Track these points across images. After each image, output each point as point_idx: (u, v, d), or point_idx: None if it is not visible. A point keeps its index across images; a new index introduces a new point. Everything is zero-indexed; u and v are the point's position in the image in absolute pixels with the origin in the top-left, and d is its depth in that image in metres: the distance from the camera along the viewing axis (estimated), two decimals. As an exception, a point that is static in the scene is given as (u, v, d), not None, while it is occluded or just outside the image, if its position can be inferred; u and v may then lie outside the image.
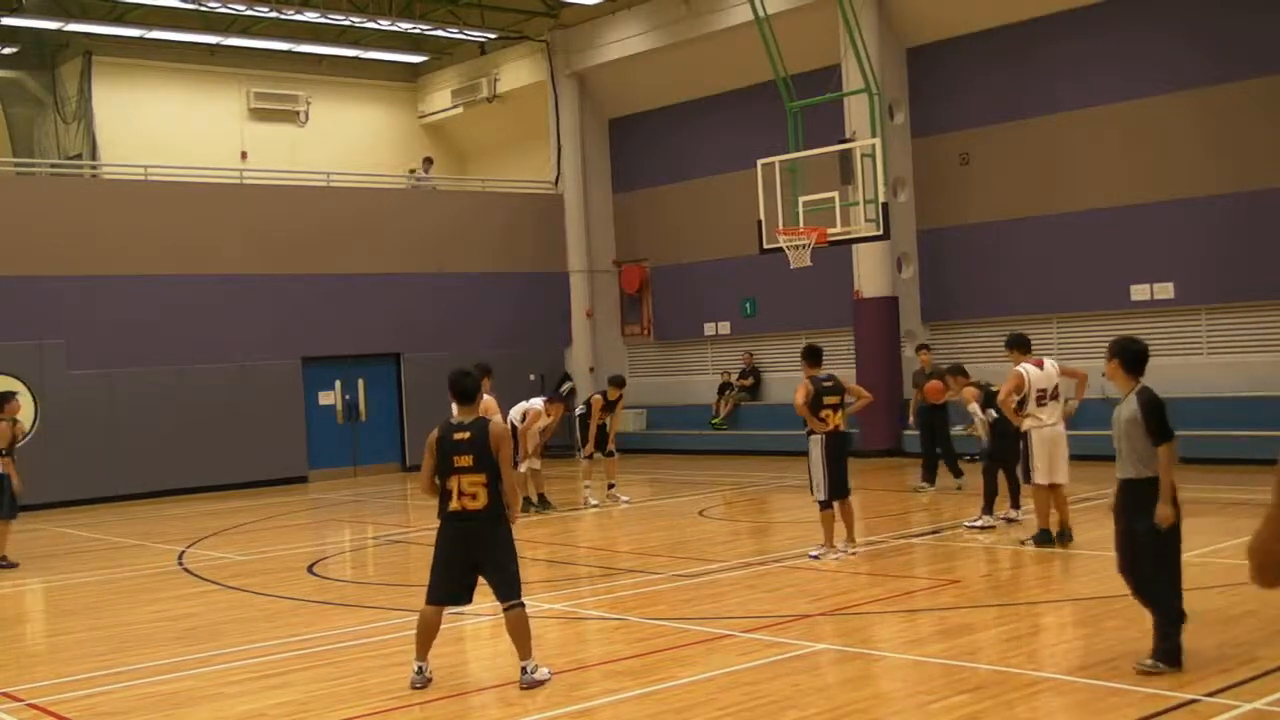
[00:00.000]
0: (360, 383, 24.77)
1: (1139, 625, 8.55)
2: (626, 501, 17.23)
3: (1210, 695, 6.63)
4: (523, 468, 15.87)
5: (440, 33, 26.51)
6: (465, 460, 7.51)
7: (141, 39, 25.17)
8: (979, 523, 13.05)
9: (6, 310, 20.65)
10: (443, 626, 7.93)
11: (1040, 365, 11.82)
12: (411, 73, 29.87)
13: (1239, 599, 8.81)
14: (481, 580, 7.72)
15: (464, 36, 27.05)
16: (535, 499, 16.54)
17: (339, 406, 24.52)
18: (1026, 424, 11.70)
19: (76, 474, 20.58)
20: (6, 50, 25.16)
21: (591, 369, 26.59)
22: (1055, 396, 11.79)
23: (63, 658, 9.57)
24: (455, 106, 29.14)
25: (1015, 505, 13.38)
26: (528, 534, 13.85)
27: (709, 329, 26.39)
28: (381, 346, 24.74)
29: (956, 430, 16.11)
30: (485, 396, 11.97)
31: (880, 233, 18.71)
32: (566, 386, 25.79)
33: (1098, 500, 14.24)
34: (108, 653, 9.38)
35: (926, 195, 22.48)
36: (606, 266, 27.68)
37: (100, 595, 12.22)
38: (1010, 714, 6.62)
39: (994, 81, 21.50)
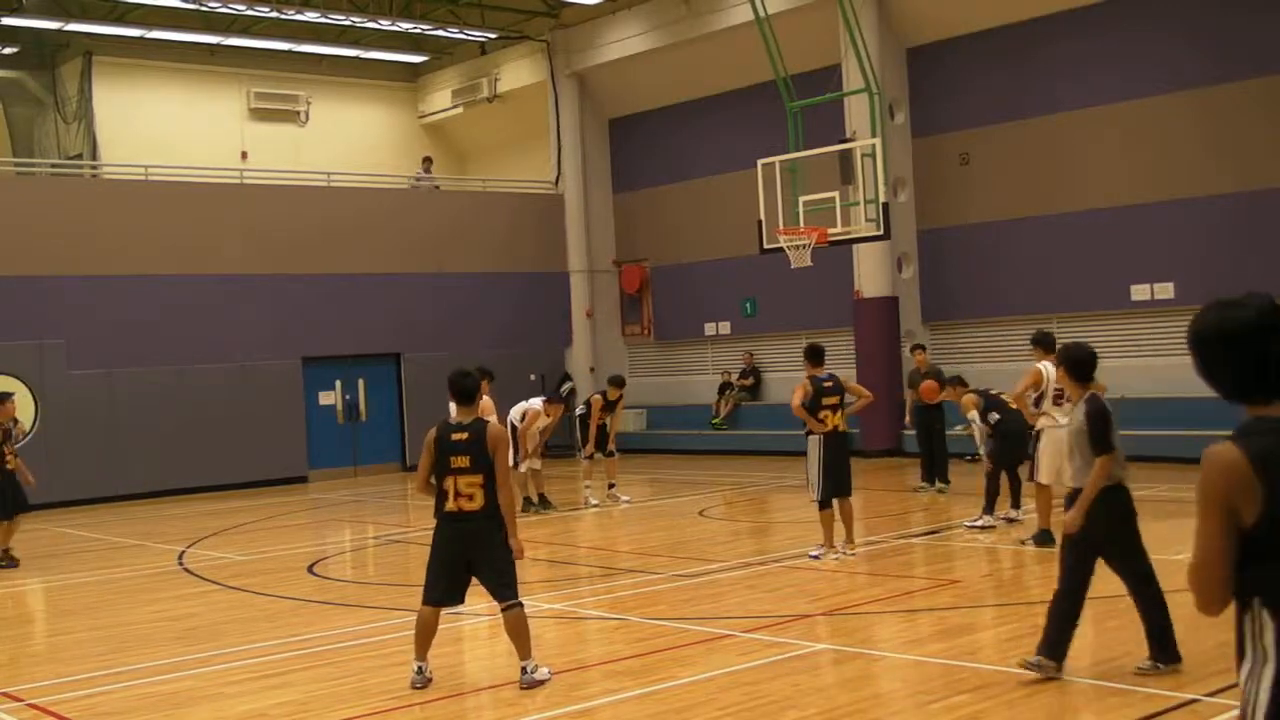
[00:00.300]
0: (360, 383, 24.77)
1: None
2: (626, 501, 17.23)
3: (1210, 695, 6.63)
4: (523, 468, 15.88)
5: (440, 33, 26.51)
6: (462, 461, 7.51)
7: (141, 39, 25.16)
8: (979, 523, 13.05)
9: (6, 310, 20.65)
10: (442, 626, 7.93)
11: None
12: (411, 73, 29.87)
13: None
14: (478, 581, 7.72)
15: (464, 36, 27.05)
16: (535, 499, 16.54)
17: (339, 406, 24.52)
18: (1041, 422, 11.55)
19: (76, 474, 20.58)
20: (6, 50, 25.16)
21: (591, 369, 26.59)
22: (1067, 398, 11.67)
23: (63, 658, 9.57)
24: (455, 106, 29.14)
25: (1016, 505, 13.38)
26: (528, 534, 13.79)
27: (709, 329, 26.39)
28: (381, 346, 24.74)
29: (954, 431, 16.10)
30: (483, 398, 11.96)
31: (880, 233, 18.71)
32: (566, 387, 25.79)
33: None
34: (108, 653, 9.39)
35: (926, 195, 22.48)
36: (606, 266, 27.68)
37: (100, 595, 12.22)
38: (1010, 714, 6.62)
39: (994, 81, 21.50)
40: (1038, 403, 11.56)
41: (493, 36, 27.13)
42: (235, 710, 7.49)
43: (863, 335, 22.23)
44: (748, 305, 25.41)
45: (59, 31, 24.69)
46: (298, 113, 28.18)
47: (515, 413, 16.04)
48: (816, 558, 11.74)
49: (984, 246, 21.74)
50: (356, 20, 24.68)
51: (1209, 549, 2.83)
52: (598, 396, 17.45)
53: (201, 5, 22.95)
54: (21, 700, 7.97)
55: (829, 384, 11.69)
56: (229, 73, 27.08)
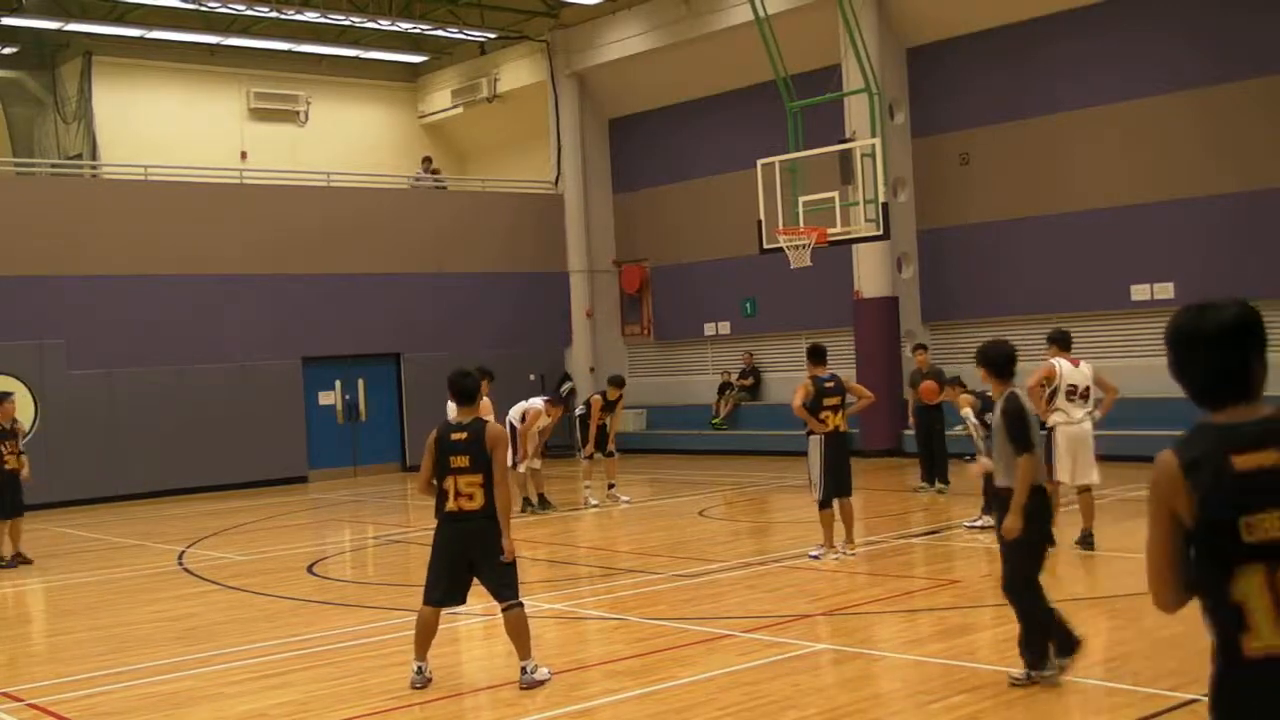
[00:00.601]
0: (360, 383, 24.77)
1: (1138, 625, 8.56)
2: (626, 501, 17.23)
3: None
4: (522, 468, 15.87)
5: (440, 33, 26.50)
6: (462, 461, 7.52)
7: (141, 39, 25.16)
8: (979, 523, 13.04)
9: (6, 310, 20.65)
10: (441, 627, 7.94)
11: (1076, 364, 11.60)
12: (411, 73, 29.87)
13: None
14: (478, 580, 7.72)
15: (464, 36, 27.05)
16: (535, 499, 16.54)
17: (339, 406, 24.51)
18: (1053, 418, 11.42)
19: (76, 474, 20.58)
20: (6, 50, 25.15)
21: (591, 369, 26.59)
22: (1085, 397, 11.50)
23: (63, 658, 9.58)
24: (455, 106, 29.14)
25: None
26: (528, 534, 13.86)
27: (709, 329, 26.39)
28: (381, 346, 24.74)
29: (953, 431, 16.10)
30: (483, 399, 11.96)
31: (880, 233, 18.71)
32: (566, 387, 25.80)
33: (1099, 501, 14.24)
34: (108, 653, 9.39)
35: (926, 195, 22.48)
36: (606, 266, 27.68)
37: (100, 595, 12.22)
38: (1010, 714, 6.62)
39: (994, 81, 21.50)
40: (1050, 398, 11.42)
41: (492, 36, 27.12)
42: (235, 710, 7.49)
43: (863, 335, 22.23)
44: (748, 305, 25.41)
45: (59, 31, 24.68)
46: (297, 113, 28.17)
47: (515, 413, 16.03)
48: (816, 558, 11.75)
49: (984, 246, 21.74)
50: (356, 20, 24.68)
51: (1152, 549, 2.97)
52: (597, 397, 17.45)
53: (201, 5, 22.95)
54: (21, 700, 7.97)
55: (831, 384, 11.69)
56: (229, 73, 27.07)
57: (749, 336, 25.68)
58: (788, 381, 23.35)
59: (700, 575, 11.39)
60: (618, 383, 17.36)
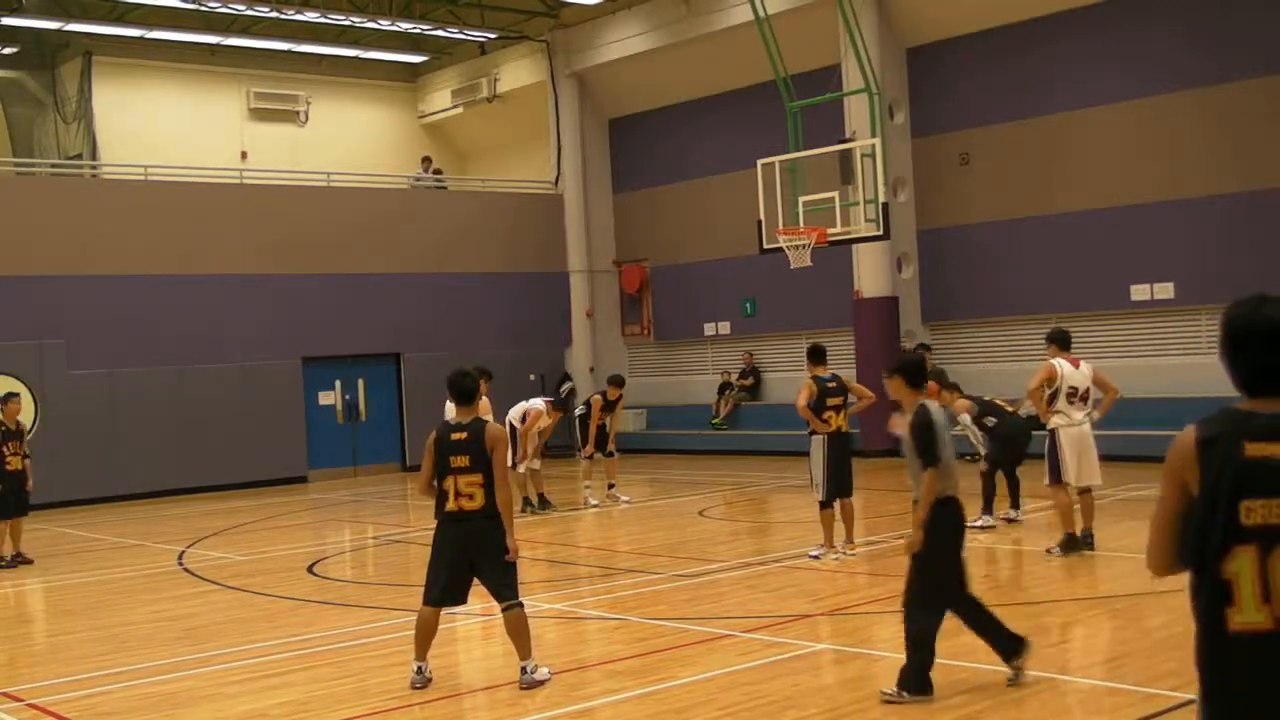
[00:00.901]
0: (360, 383, 24.77)
1: (1139, 625, 8.57)
2: (626, 501, 17.23)
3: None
4: (522, 468, 15.88)
5: (440, 33, 26.50)
6: (462, 461, 7.52)
7: (141, 39, 25.16)
8: (978, 523, 13.02)
9: (6, 310, 20.65)
10: (441, 627, 7.94)
11: (1076, 365, 11.45)
12: (411, 73, 29.87)
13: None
14: (478, 581, 7.72)
15: (464, 36, 27.05)
16: (535, 499, 16.54)
17: (339, 406, 24.52)
18: (1054, 420, 11.29)
19: (76, 474, 20.58)
20: (6, 50, 25.15)
21: (591, 369, 26.58)
22: (1084, 399, 11.37)
23: (63, 658, 9.58)
24: (455, 106, 29.14)
25: (1015, 505, 13.38)
26: (528, 534, 13.85)
27: (709, 329, 26.39)
28: (381, 346, 24.74)
29: (953, 431, 16.08)
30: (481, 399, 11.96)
31: (880, 233, 18.71)
32: (566, 387, 25.80)
33: (1098, 501, 14.24)
34: (108, 653, 9.39)
35: (926, 195, 22.48)
36: (606, 266, 27.68)
37: (100, 595, 12.23)
38: (1010, 714, 6.63)
39: (994, 81, 21.50)
40: (1051, 400, 11.29)
41: (492, 36, 27.12)
42: (235, 710, 7.49)
43: (863, 335, 22.22)
44: (747, 305, 25.41)
45: (59, 31, 24.68)
46: (297, 113, 28.18)
47: (515, 413, 16.03)
48: (816, 558, 11.75)
49: (984, 246, 21.74)
50: (356, 20, 24.68)
51: (1159, 515, 3.22)
52: (597, 397, 17.45)
53: (201, 5, 22.95)
54: (21, 700, 7.98)
55: (833, 384, 11.69)
56: (229, 73, 27.08)
57: (749, 336, 25.68)
58: (788, 381, 23.36)
59: (700, 575, 11.39)
60: (618, 382, 17.35)
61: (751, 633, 8.81)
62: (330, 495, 21.24)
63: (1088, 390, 11.42)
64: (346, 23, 24.82)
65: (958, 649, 8.14)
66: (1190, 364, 19.04)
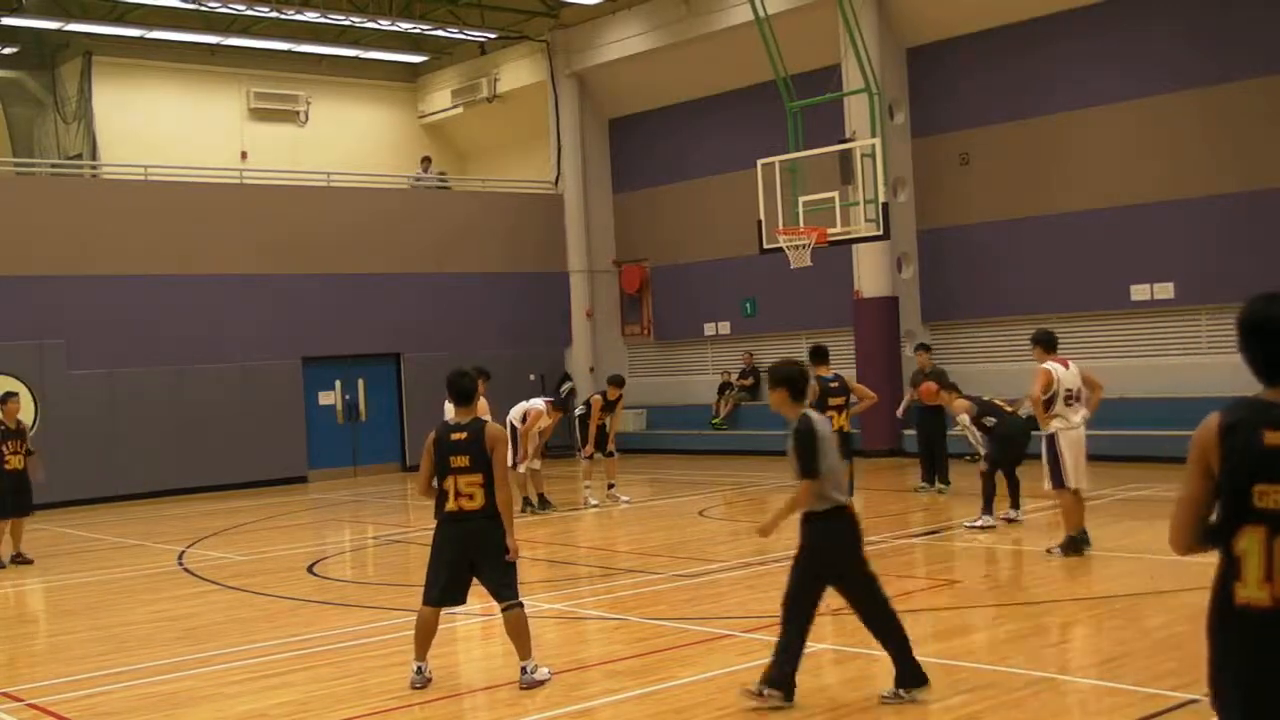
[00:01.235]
0: (360, 383, 24.77)
1: (1139, 625, 8.57)
2: (626, 501, 17.23)
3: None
4: (522, 468, 15.87)
5: (440, 33, 26.50)
6: (462, 461, 7.52)
7: (141, 39, 25.16)
8: (979, 523, 13.04)
9: (6, 310, 20.66)
10: (441, 627, 7.94)
11: (1065, 365, 11.37)
12: (411, 73, 29.87)
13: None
14: (478, 581, 7.72)
15: (464, 36, 27.05)
16: (535, 499, 16.55)
17: (339, 406, 24.52)
18: (1054, 425, 11.19)
19: (76, 474, 20.57)
20: (6, 50, 25.15)
21: (591, 369, 26.58)
22: (1078, 399, 11.31)
23: (63, 658, 9.58)
24: (455, 106, 29.14)
25: (1015, 505, 13.38)
26: (528, 534, 13.84)
27: (709, 329, 26.39)
28: (381, 346, 24.74)
29: (954, 430, 16.11)
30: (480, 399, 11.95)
31: (880, 233, 18.71)
32: (566, 387, 25.80)
33: (1098, 501, 14.24)
34: (108, 653, 9.39)
35: (926, 195, 22.48)
36: (606, 266, 27.68)
37: (100, 595, 12.23)
38: (1010, 714, 6.62)
39: (994, 81, 21.50)
40: (1049, 404, 11.22)
41: (492, 36, 27.12)
42: (235, 710, 7.49)
43: (863, 335, 22.23)
44: (747, 305, 25.41)
45: (59, 31, 24.68)
46: (297, 113, 28.18)
47: (515, 413, 16.03)
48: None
49: (984, 246, 21.74)
50: (356, 20, 24.68)
51: (1183, 497, 3.49)
52: (597, 397, 17.44)
53: (201, 5, 22.95)
54: (21, 700, 7.97)
55: (834, 384, 11.70)
56: (229, 73, 27.08)
57: (749, 336, 25.68)
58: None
59: (700, 575, 11.38)
60: (617, 382, 17.34)
61: (751, 633, 8.81)
62: (330, 495, 21.24)
63: (1079, 390, 11.38)
64: (346, 23, 24.83)
65: (957, 649, 8.15)
66: (1190, 364, 19.04)
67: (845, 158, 18.94)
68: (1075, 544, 11.23)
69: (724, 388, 25.37)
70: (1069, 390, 11.26)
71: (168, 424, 21.87)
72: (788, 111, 19.83)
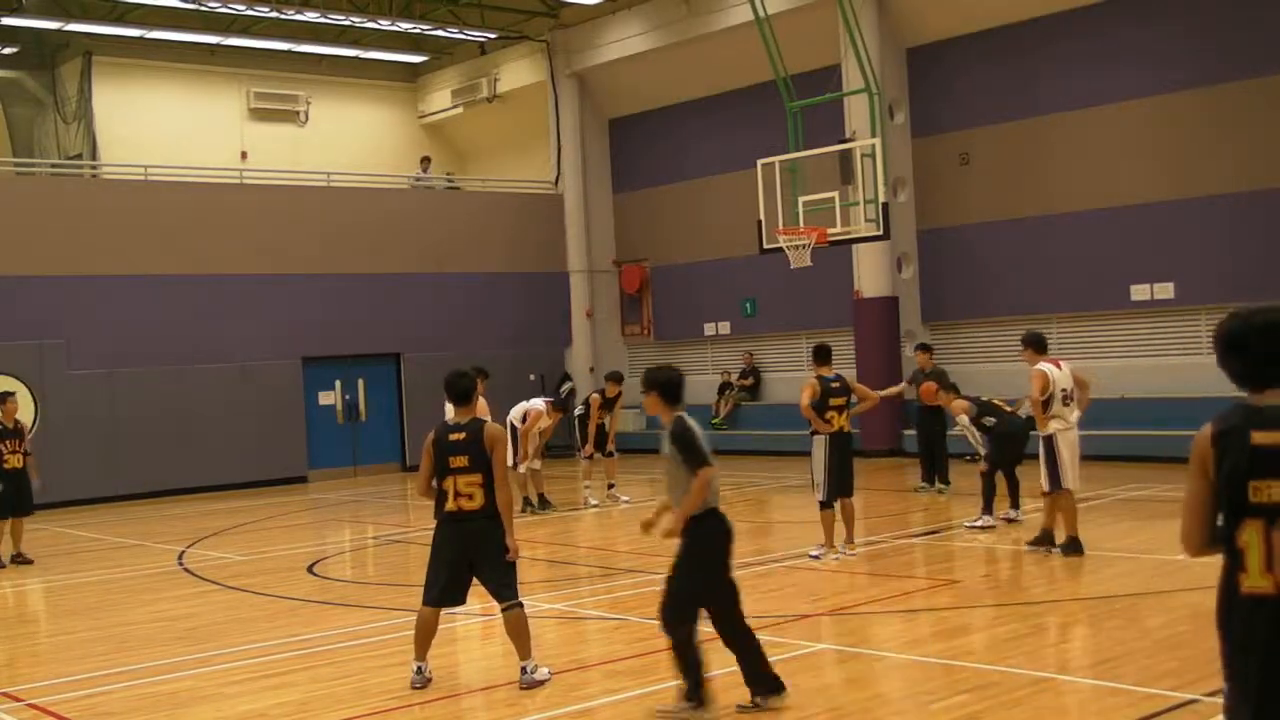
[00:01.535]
0: (360, 383, 24.77)
1: (1139, 625, 8.57)
2: (626, 501, 17.22)
3: (1210, 695, 6.61)
4: (522, 468, 15.88)
5: (440, 33, 26.50)
6: (461, 461, 7.52)
7: (141, 39, 25.16)
8: (979, 523, 13.04)
9: (6, 310, 20.66)
10: (441, 627, 7.94)
11: (1058, 365, 11.39)
12: (411, 73, 29.87)
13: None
14: (478, 581, 7.72)
15: (464, 36, 27.05)
16: (535, 499, 16.55)
17: (339, 406, 24.52)
18: (1051, 425, 11.17)
19: (76, 474, 20.57)
20: (6, 50, 25.15)
21: (591, 369, 26.58)
22: (1072, 398, 11.31)
23: (63, 658, 9.58)
24: (455, 106, 29.14)
25: (1015, 505, 13.38)
26: (528, 534, 13.84)
27: (709, 329, 26.39)
28: (381, 346, 24.74)
29: (954, 430, 16.10)
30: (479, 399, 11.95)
31: (880, 233, 18.71)
32: (566, 387, 25.79)
33: (1098, 501, 14.26)
34: (108, 653, 9.39)
35: (926, 195, 22.48)
36: (606, 266, 27.68)
37: (100, 595, 12.23)
38: (1010, 714, 6.62)
39: (994, 81, 21.50)
40: (1046, 405, 11.20)
41: (492, 36, 27.12)
42: (235, 710, 7.49)
43: (863, 335, 22.23)
44: (747, 305, 25.41)
45: (59, 31, 24.68)
46: (297, 113, 28.18)
47: (515, 413, 16.03)
48: (816, 558, 11.75)
49: (984, 246, 21.73)
50: (356, 20, 24.68)
51: (1188, 501, 3.71)
52: (596, 395, 17.43)
53: (201, 5, 22.95)
54: (21, 700, 7.98)
55: (836, 384, 11.67)
56: (229, 73, 27.08)
57: (749, 336, 25.68)
58: (788, 382, 23.38)
59: (700, 575, 11.36)
60: (616, 379, 17.32)
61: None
62: (330, 495, 21.24)
63: (1073, 390, 11.40)
64: (346, 23, 24.83)
65: (957, 649, 8.15)
66: (1190, 364, 19.03)
67: (845, 158, 18.94)
68: (1075, 544, 11.22)
69: (724, 388, 25.37)
70: (1064, 390, 11.29)
71: (168, 424, 21.86)
72: (788, 111, 19.83)
